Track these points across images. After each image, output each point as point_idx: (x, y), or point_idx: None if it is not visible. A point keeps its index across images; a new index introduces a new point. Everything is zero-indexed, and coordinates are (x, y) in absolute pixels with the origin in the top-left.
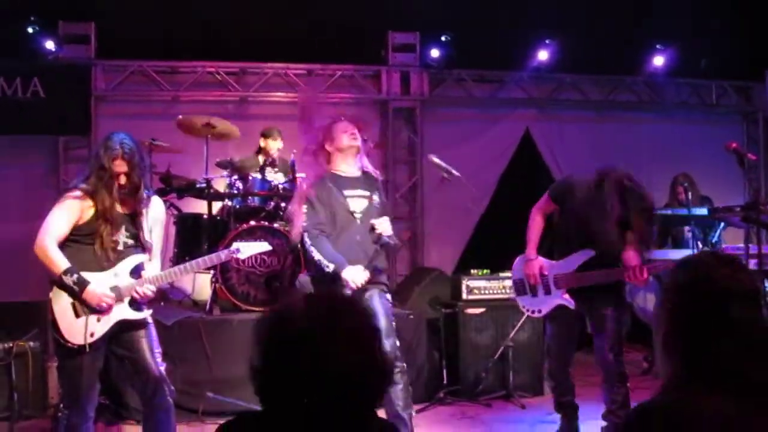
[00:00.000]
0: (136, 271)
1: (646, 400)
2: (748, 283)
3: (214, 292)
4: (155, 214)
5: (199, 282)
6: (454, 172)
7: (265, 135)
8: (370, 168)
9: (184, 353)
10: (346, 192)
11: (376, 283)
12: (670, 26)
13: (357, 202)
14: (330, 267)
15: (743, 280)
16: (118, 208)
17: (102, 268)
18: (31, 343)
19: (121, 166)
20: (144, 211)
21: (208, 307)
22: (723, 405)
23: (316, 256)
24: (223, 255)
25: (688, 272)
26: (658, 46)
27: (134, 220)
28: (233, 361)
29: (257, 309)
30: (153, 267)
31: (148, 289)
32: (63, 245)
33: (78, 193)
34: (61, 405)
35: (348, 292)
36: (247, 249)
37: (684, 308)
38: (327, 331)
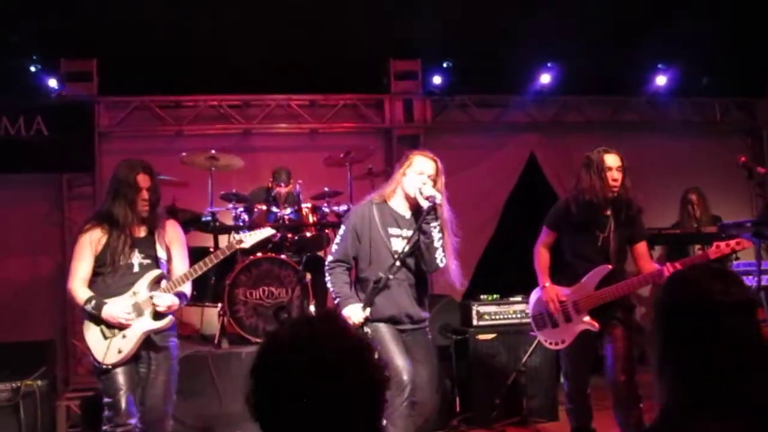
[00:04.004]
0: (156, 286)
1: (645, 427)
2: (741, 296)
3: (222, 325)
4: (171, 236)
5: (207, 316)
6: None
7: (274, 178)
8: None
9: (193, 388)
10: (391, 230)
11: (421, 321)
12: (671, 45)
13: (399, 242)
14: (336, 300)
15: (735, 293)
16: (134, 231)
17: (122, 292)
18: (39, 382)
19: (144, 181)
20: (158, 232)
21: (216, 340)
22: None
23: (329, 286)
24: (227, 248)
25: (679, 290)
26: (659, 66)
27: (148, 242)
28: (243, 394)
29: None
30: (185, 289)
31: (166, 298)
32: (92, 281)
33: (87, 227)
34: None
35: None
36: (250, 238)
37: (677, 328)
38: (312, 351)
